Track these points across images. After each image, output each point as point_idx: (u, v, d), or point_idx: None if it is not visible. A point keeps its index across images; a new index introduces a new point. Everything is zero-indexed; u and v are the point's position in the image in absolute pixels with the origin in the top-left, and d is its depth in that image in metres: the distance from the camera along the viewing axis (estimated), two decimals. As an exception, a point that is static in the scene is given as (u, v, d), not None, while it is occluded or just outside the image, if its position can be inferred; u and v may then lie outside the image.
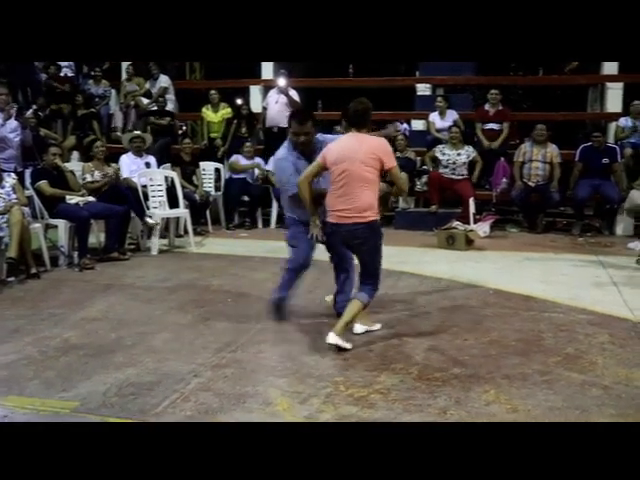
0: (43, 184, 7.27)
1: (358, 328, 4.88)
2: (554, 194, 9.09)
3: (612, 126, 10.32)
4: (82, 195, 7.45)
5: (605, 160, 9.17)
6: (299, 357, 4.42)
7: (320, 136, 4.92)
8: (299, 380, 4.01)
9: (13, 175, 7.20)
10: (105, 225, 7.58)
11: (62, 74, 11.84)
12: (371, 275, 4.63)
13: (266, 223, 9.94)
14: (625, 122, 9.92)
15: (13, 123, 8.13)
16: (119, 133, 11.49)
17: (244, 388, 3.89)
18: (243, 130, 10.80)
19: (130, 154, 8.74)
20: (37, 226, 7.10)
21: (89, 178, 7.74)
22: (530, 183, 9.20)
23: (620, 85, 10.68)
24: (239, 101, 11.34)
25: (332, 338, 4.47)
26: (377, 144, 4.46)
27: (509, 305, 5.63)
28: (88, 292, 6.12)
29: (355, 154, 4.38)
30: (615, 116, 10.31)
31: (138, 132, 9.78)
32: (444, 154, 9.45)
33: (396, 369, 4.21)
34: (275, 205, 9.76)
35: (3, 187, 6.87)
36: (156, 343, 4.68)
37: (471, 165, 9.51)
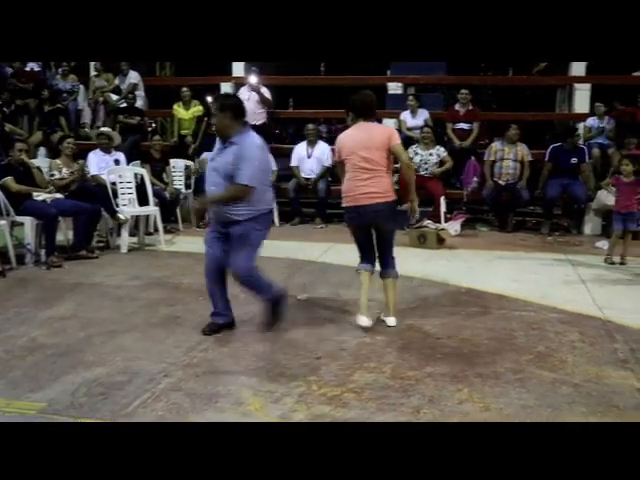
0: (9, 180, 7.14)
1: (392, 321, 5.10)
2: (523, 193, 9.16)
3: (580, 126, 10.42)
4: (49, 192, 7.33)
5: (574, 160, 9.25)
6: (272, 356, 4.40)
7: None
8: (272, 379, 3.98)
9: (-23, 172, 7.07)
10: (73, 222, 7.44)
11: (28, 68, 11.66)
12: (392, 251, 5.17)
13: (237, 221, 9.86)
14: (592, 122, 10.09)
15: (-23, 118, 7.99)
16: (87, 129, 11.35)
17: (216, 388, 3.86)
18: (214, 127, 10.69)
19: (98, 151, 8.63)
20: (2, 223, 6.96)
21: (57, 175, 7.63)
22: (501, 182, 9.26)
23: (588, 86, 10.78)
24: (210, 98, 11.25)
25: (393, 321, 5.03)
26: (386, 129, 5.29)
27: (481, 304, 5.65)
28: (56, 291, 6.02)
29: (371, 142, 4.82)
30: (583, 117, 10.43)
31: (105, 129, 9.65)
32: (417, 154, 9.46)
33: (369, 368, 4.21)
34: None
35: (-33, 183, 6.77)
36: (126, 342, 4.61)
37: (441, 164, 9.54)
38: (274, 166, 9.27)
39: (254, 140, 4.62)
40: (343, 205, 5.09)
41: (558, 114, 11.88)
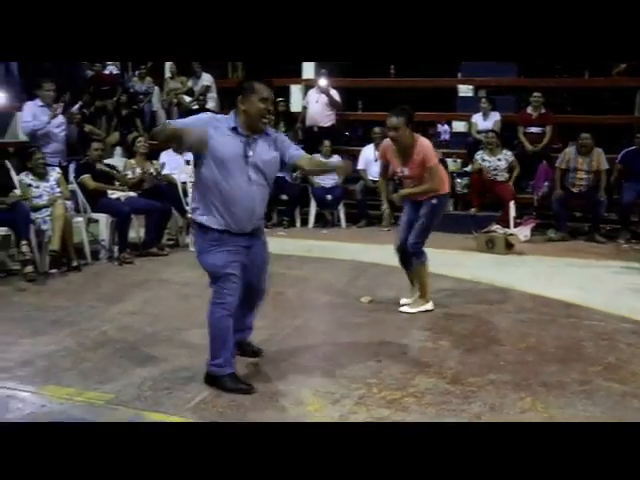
0: (86, 178, 7.37)
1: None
2: (602, 201, 8.84)
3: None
4: (123, 190, 7.53)
5: (649, 164, 8.96)
6: (334, 357, 4.41)
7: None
8: (332, 380, 3.99)
9: (58, 169, 7.32)
10: (145, 220, 7.64)
11: (107, 71, 11.98)
12: None
13: (304, 222, 9.92)
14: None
15: (59, 118, 8.24)
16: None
17: (277, 387, 3.89)
18: (282, 128, 10.79)
19: (170, 151, 8.77)
20: (79, 220, 7.19)
21: (130, 174, 7.81)
22: (574, 189, 8.98)
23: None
24: (282, 100, 11.34)
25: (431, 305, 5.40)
26: None
27: (547, 311, 5.53)
28: (126, 286, 6.18)
29: None
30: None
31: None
32: (484, 160, 9.36)
33: (430, 372, 4.17)
34: (314, 204, 9.77)
35: (48, 181, 7.00)
36: (191, 339, 4.68)
37: (510, 169, 9.40)
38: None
39: None
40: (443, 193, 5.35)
41: (637, 117, 11.46)
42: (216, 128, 3.69)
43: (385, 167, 5.56)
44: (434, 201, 5.26)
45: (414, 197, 5.36)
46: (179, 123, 3.74)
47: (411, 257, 5.40)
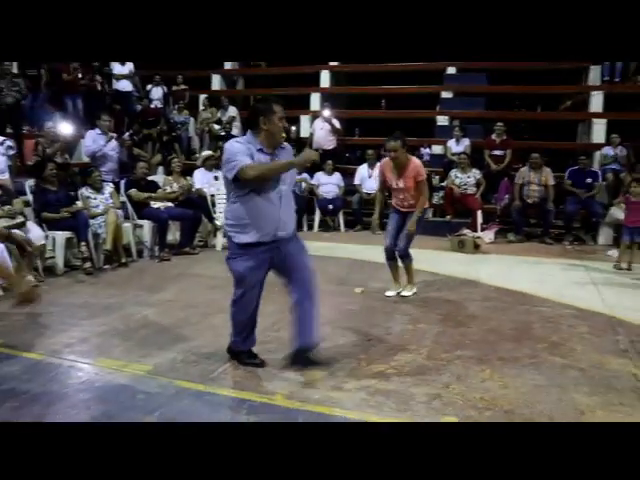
0: (133, 192, 7.39)
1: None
2: (551, 210, 8.84)
3: (597, 154, 10.07)
4: (163, 201, 7.55)
5: (589, 180, 9.00)
6: (332, 337, 4.39)
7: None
8: (329, 356, 3.97)
9: (111, 184, 7.33)
10: (180, 226, 7.67)
11: (152, 106, 12.01)
12: None
13: (310, 227, 9.92)
14: (607, 151, 9.69)
15: (113, 143, 8.26)
16: (197, 154, 11.55)
17: (284, 361, 3.87)
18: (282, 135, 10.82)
19: (202, 169, 8.79)
20: (128, 225, 7.20)
21: (169, 189, 7.82)
22: (529, 200, 8.96)
23: (604, 121, 10.53)
24: (293, 127, 11.34)
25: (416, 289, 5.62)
26: None
27: (507, 300, 5.51)
28: (164, 279, 6.19)
29: None
30: (599, 146, 10.08)
31: (210, 152, 9.83)
32: (457, 177, 9.32)
33: (409, 350, 4.17)
34: (318, 213, 9.77)
35: (103, 194, 7.01)
36: (216, 321, 4.69)
37: (478, 185, 9.36)
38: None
39: None
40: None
41: (579, 143, 11.47)
42: (251, 151, 3.43)
43: (383, 182, 5.57)
44: (418, 213, 5.35)
45: (401, 207, 5.42)
46: (239, 156, 3.38)
47: (399, 258, 5.51)
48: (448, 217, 9.41)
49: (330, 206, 9.83)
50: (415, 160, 5.34)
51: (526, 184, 8.97)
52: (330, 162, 10.02)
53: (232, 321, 3.82)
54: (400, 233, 5.40)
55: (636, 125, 9.93)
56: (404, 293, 5.57)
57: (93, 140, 8.06)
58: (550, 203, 8.83)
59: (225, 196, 7.60)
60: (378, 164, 9.59)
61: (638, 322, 4.81)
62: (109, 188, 7.15)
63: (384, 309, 5.18)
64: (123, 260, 6.74)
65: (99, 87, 10.92)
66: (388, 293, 5.59)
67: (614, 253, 7.51)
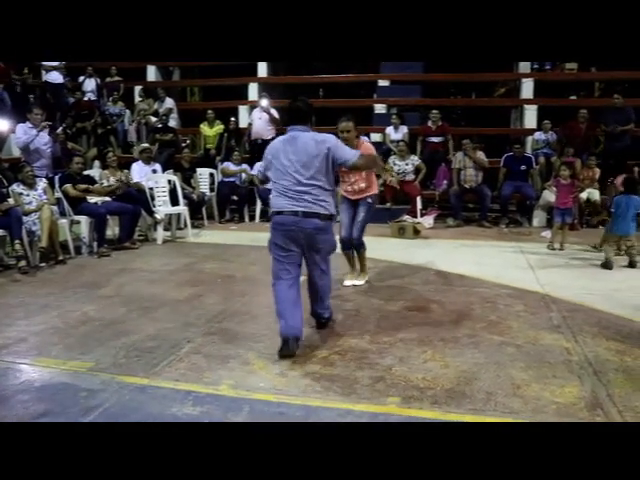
0: (68, 187, 7.18)
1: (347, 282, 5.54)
2: (487, 194, 9.07)
3: (529, 139, 10.40)
4: (100, 196, 7.37)
5: (523, 167, 9.28)
6: (274, 326, 4.35)
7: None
8: (274, 345, 3.95)
9: (44, 180, 7.10)
10: (119, 220, 7.51)
11: (86, 98, 11.68)
12: None
13: (251, 218, 9.85)
14: (539, 136, 10.04)
15: (45, 137, 7.98)
16: (135, 147, 11.30)
17: (228, 351, 3.88)
18: (232, 142, 10.78)
19: (140, 162, 8.63)
20: (64, 221, 7.00)
21: (106, 183, 7.64)
22: (466, 185, 9.19)
23: (535, 107, 10.86)
24: (232, 118, 11.25)
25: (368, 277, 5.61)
26: None
27: (446, 283, 5.65)
28: (104, 275, 6.05)
29: None
30: (531, 131, 10.41)
31: (147, 145, 9.66)
32: (395, 164, 9.42)
33: (353, 334, 4.21)
34: (259, 203, 9.72)
35: (36, 190, 6.80)
36: (158, 315, 4.64)
37: (417, 171, 9.50)
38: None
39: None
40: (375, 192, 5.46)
41: (512, 129, 11.83)
42: None
43: None
44: (369, 200, 5.32)
45: (352, 194, 5.35)
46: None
47: (354, 247, 5.44)
48: (388, 204, 9.50)
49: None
50: (365, 140, 5.32)
51: (463, 169, 9.20)
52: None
53: (328, 292, 4.18)
54: (354, 222, 5.35)
55: (565, 111, 10.30)
56: (356, 282, 5.54)
57: (24, 132, 7.77)
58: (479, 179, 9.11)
59: (164, 189, 7.38)
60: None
61: (569, 299, 5.02)
62: (42, 184, 6.92)
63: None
64: (60, 257, 6.55)
65: (28, 80, 10.56)
66: (346, 282, 5.52)
67: (547, 234, 7.79)
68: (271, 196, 3.95)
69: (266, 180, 4.12)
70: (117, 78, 12.09)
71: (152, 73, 12.99)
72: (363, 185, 5.29)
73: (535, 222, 9.18)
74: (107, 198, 7.45)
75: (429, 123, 10.19)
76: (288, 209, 3.77)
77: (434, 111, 10.14)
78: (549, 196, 8.40)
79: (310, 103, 3.99)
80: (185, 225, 8.47)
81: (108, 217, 7.29)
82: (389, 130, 10.41)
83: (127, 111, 11.79)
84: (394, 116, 10.49)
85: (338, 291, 5.33)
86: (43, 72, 11.51)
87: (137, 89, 12.21)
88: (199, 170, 9.93)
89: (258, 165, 9.80)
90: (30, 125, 7.81)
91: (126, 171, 8.11)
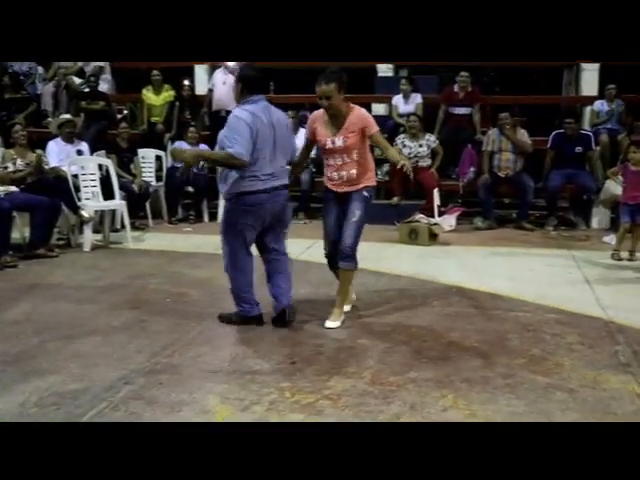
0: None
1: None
2: (529, 186, 9.12)
3: (587, 111, 10.44)
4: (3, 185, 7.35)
5: (578, 149, 9.31)
6: (242, 360, 4.43)
7: None
8: (241, 386, 3.99)
9: None
10: (30, 218, 7.47)
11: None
12: None
13: (213, 216, 9.83)
14: (601, 106, 10.06)
15: None
16: (50, 118, 11.23)
17: (180, 395, 3.87)
18: (186, 114, 10.75)
19: (59, 140, 8.62)
20: (-49, 219, 6.97)
21: (11, 167, 7.61)
22: (500, 174, 9.23)
23: (596, 67, 10.80)
24: (186, 82, 11.22)
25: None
26: None
27: (473, 304, 5.70)
28: (9, 293, 6.03)
29: None
30: (591, 100, 10.44)
31: (68, 116, 9.62)
32: (405, 146, 9.46)
33: (348, 373, 4.23)
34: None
35: None
36: (84, 348, 4.63)
37: (433, 155, 9.56)
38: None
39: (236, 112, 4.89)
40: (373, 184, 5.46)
41: (564, 97, 11.85)
42: None
43: (310, 141, 5.29)
44: (365, 193, 5.07)
45: (339, 185, 5.13)
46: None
47: (341, 259, 5.10)
48: (395, 199, 9.53)
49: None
50: (359, 109, 5.01)
51: (497, 152, 9.24)
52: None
53: None
54: (344, 224, 5.05)
55: (637, 72, 10.33)
56: (331, 325, 5.12)
57: None
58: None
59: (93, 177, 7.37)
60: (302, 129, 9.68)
61: (642, 327, 5.08)
62: None
63: (313, 321, 5.23)
64: (-53, 269, 6.54)
65: None
66: (346, 308, 5.37)
67: (611, 239, 7.84)
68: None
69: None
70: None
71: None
72: (354, 171, 5.03)
73: (594, 223, 9.26)
74: (13, 188, 7.42)
75: (455, 88, 10.20)
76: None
77: (463, 73, 10.12)
78: (614, 188, 8.47)
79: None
80: (122, 226, 8.49)
81: (14, 214, 7.27)
82: (397, 100, 10.43)
83: (39, 68, 11.72)
84: (404, 80, 10.50)
85: (327, 315, 5.34)
86: None
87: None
88: (141, 152, 9.96)
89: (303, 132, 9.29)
90: None
91: (40, 151, 8.09)
